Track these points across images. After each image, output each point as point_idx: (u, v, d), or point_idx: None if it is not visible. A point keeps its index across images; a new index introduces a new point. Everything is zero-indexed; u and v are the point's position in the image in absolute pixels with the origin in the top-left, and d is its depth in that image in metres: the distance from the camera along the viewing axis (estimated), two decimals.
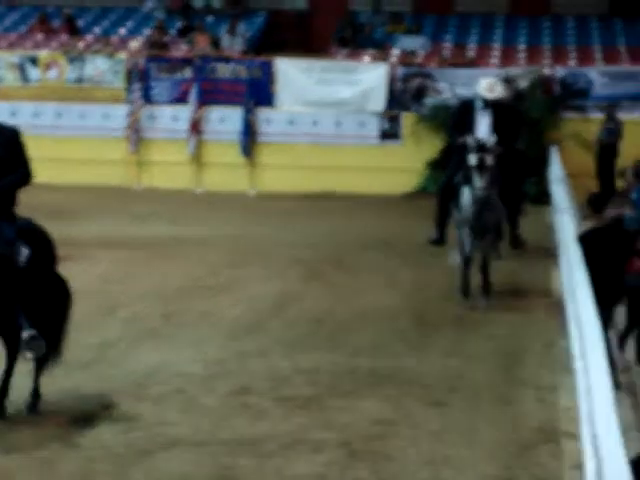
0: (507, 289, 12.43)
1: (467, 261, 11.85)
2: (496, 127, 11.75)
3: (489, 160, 11.40)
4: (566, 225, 11.68)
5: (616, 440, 5.02)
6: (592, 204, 9.91)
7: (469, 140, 11.50)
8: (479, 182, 11.40)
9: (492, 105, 11.82)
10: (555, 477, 7.00)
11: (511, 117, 12.26)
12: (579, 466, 6.75)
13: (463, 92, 18.89)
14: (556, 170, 16.87)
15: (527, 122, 19.62)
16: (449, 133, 12.64)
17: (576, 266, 9.08)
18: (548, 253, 13.96)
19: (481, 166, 11.36)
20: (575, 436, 7.36)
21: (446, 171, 12.46)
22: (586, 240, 9.57)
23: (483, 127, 11.78)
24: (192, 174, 21.57)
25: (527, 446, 7.53)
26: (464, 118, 11.95)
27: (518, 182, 12.89)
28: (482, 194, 11.43)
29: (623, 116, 19.77)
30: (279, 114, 21.49)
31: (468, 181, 11.55)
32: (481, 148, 11.42)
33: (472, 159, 11.40)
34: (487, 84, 11.96)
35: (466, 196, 11.64)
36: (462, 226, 11.84)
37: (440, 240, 12.42)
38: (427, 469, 7.06)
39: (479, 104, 11.92)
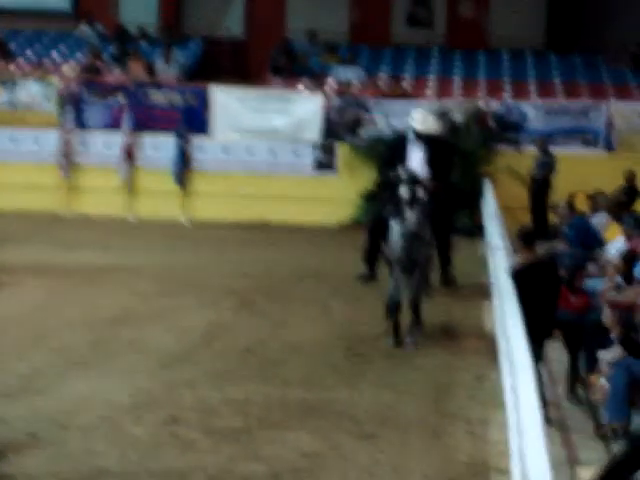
0: (438, 323, 12.41)
1: (395, 304, 11.43)
2: (429, 160, 11.72)
3: (420, 193, 11.23)
4: (498, 260, 11.71)
5: (546, 476, 5.04)
6: (522, 238, 9.92)
7: (400, 172, 11.33)
8: (410, 216, 11.14)
9: (425, 138, 11.83)
10: None
11: (444, 150, 12.26)
12: None
13: (398, 124, 19.00)
14: (490, 204, 17.01)
15: (461, 154, 19.84)
16: (380, 167, 12.54)
17: (508, 300, 9.12)
18: (480, 289, 14.02)
19: (412, 199, 11.12)
20: (505, 471, 7.38)
21: (377, 205, 12.37)
22: (519, 275, 9.62)
23: (416, 160, 11.72)
24: (125, 201, 21.39)
25: None
26: (397, 152, 11.90)
27: (450, 217, 12.86)
28: (413, 228, 11.17)
29: (557, 151, 20.06)
30: (214, 142, 21.43)
31: (398, 215, 11.29)
32: (413, 180, 11.22)
33: (403, 192, 11.15)
34: (419, 116, 12.00)
35: (395, 230, 11.36)
36: (391, 262, 11.54)
37: (370, 276, 12.26)
38: None
39: (412, 137, 11.89)
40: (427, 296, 12.15)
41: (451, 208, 13.19)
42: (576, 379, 9.86)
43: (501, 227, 14.46)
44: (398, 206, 11.19)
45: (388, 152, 12.52)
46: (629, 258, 10.79)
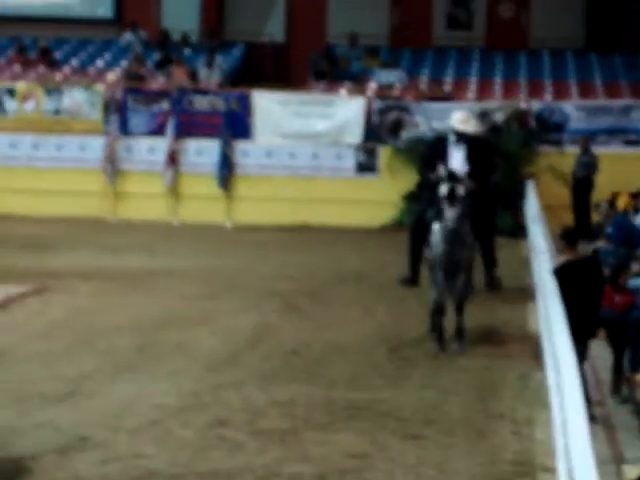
0: (482, 324, 12.37)
1: (439, 308, 11.24)
2: (470, 161, 11.45)
3: (460, 190, 10.94)
4: (541, 261, 11.68)
5: (592, 474, 5.03)
6: (565, 237, 9.89)
7: (440, 170, 11.12)
8: (450, 213, 10.87)
9: (466, 139, 11.57)
10: None
11: (485, 150, 12.00)
12: None
13: (439, 126, 18.99)
14: (532, 204, 16.93)
15: (503, 155, 19.79)
16: (420, 168, 12.15)
17: (552, 300, 9.11)
18: (524, 290, 13.97)
19: (452, 196, 10.86)
20: (551, 469, 7.35)
21: (418, 207, 12.12)
22: (561, 273, 9.61)
23: (456, 161, 11.47)
24: (168, 206, 21.53)
25: (503, 479, 7.50)
26: (437, 153, 11.64)
27: (492, 217, 12.48)
28: (452, 226, 10.89)
29: (598, 150, 19.95)
30: (256, 146, 21.52)
31: (440, 217, 11.04)
32: (452, 178, 10.99)
33: (442, 189, 10.93)
34: (460, 117, 11.76)
35: (437, 232, 11.12)
36: (433, 265, 11.30)
37: (412, 280, 11.98)
38: None
39: (452, 138, 11.65)
40: (470, 299, 11.90)
41: (493, 208, 12.83)
42: (620, 378, 9.83)
43: (544, 227, 14.43)
44: (438, 205, 11.00)
45: (428, 152, 12.23)
46: None
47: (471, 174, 11.24)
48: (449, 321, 11.42)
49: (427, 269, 11.62)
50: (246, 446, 8.10)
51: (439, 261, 11.10)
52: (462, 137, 11.54)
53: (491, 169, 12.08)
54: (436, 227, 11.11)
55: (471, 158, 11.45)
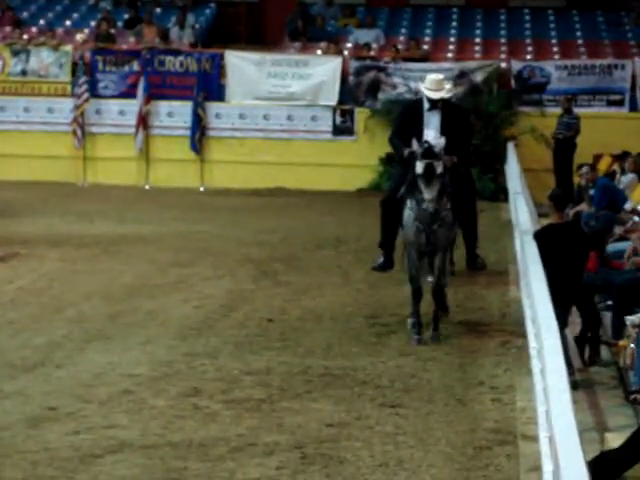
0: (462, 289, 12.26)
1: (416, 293, 10.34)
2: (445, 130, 10.28)
3: (438, 168, 9.92)
4: (523, 224, 11.49)
5: (574, 442, 4.94)
6: (554, 200, 9.65)
7: (415, 145, 10.05)
8: (427, 193, 9.92)
9: (440, 105, 10.45)
10: (512, 479, 6.88)
11: (460, 119, 10.74)
12: (536, 468, 6.67)
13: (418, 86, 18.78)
14: (513, 167, 16.79)
15: (483, 117, 19.62)
16: (391, 138, 10.80)
17: (533, 265, 8.97)
18: (505, 254, 13.89)
19: (429, 175, 9.87)
20: (532, 437, 7.29)
21: (389, 182, 11.08)
22: (542, 237, 9.44)
23: (431, 129, 10.35)
24: (140, 170, 21.32)
25: (483, 448, 7.46)
26: (410, 120, 10.48)
27: (472, 194, 11.13)
28: (430, 207, 9.96)
29: (580, 110, 19.83)
30: (229, 108, 21.30)
31: (414, 195, 10.10)
32: (429, 154, 9.93)
33: (418, 167, 9.89)
34: (431, 82, 10.54)
35: (411, 212, 10.20)
36: (408, 246, 10.43)
37: (386, 265, 10.86)
38: (381, 472, 6.98)
39: (426, 105, 10.51)
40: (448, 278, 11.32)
41: (472, 182, 11.40)
42: (598, 347, 9.72)
43: (525, 190, 14.32)
44: (412, 182, 10.07)
45: (400, 119, 10.89)
46: None
47: (448, 146, 10.13)
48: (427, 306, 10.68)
49: (403, 250, 10.79)
50: (220, 416, 8.04)
51: (414, 243, 10.28)
52: (435, 103, 10.46)
53: (469, 140, 11.05)
54: (411, 206, 10.20)
55: (446, 127, 10.32)
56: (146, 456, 7.14)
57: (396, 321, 10.96)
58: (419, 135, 10.19)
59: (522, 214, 11.50)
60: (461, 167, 10.58)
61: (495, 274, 13.05)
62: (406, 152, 10.13)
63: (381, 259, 10.89)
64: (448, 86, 11.04)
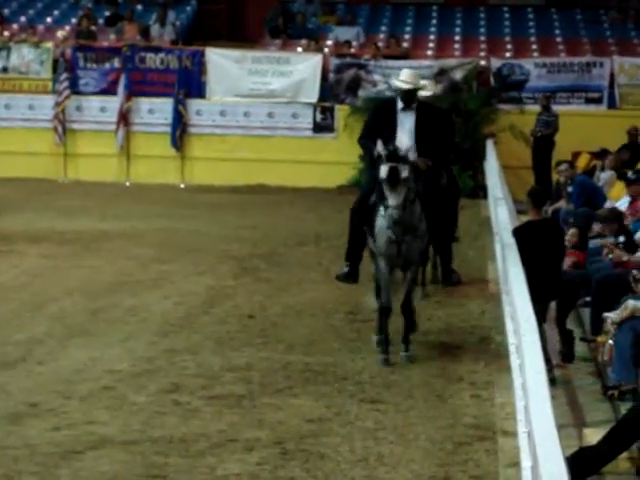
0: (442, 285, 12.27)
1: (384, 309, 9.60)
2: (421, 132, 9.59)
3: (404, 172, 9.08)
4: (502, 222, 11.54)
5: (552, 437, 4.98)
6: (533, 197, 9.67)
7: (379, 147, 9.24)
8: (392, 199, 9.09)
9: (416, 107, 9.73)
10: (490, 475, 6.95)
11: (437, 117, 9.98)
12: (515, 463, 6.71)
13: None
14: (492, 164, 16.84)
15: (462, 114, 19.66)
16: (360, 139, 10.01)
17: (512, 262, 9.02)
18: (484, 250, 13.92)
19: (393, 179, 9.05)
20: (511, 433, 7.31)
21: (360, 188, 10.17)
22: (521, 234, 9.49)
23: (405, 131, 9.64)
24: (120, 166, 21.27)
25: (462, 443, 7.49)
26: (382, 120, 9.75)
27: (453, 201, 10.46)
28: (397, 216, 9.10)
29: (560, 108, 19.90)
30: (210, 105, 21.27)
31: (384, 202, 9.24)
32: (393, 157, 9.13)
33: (382, 170, 9.10)
34: (405, 75, 9.80)
35: (382, 220, 9.38)
36: (378, 257, 9.64)
37: (350, 276, 10.00)
38: (361, 467, 6.99)
39: (400, 104, 9.77)
40: (423, 297, 11.01)
41: (453, 189, 10.69)
42: (572, 345, 9.78)
43: (504, 187, 14.36)
44: (380, 189, 9.26)
45: (371, 120, 10.05)
46: (614, 217, 10.68)
47: (423, 149, 9.46)
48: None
49: (371, 261, 10.11)
50: (201, 412, 8.03)
51: (385, 254, 9.50)
52: (409, 103, 9.71)
53: (447, 141, 10.07)
54: (381, 214, 9.39)
55: (421, 129, 9.60)
56: (127, 452, 7.13)
57: (376, 317, 10.98)
58: (391, 137, 9.51)
59: (502, 216, 11.47)
60: (441, 171, 10.00)
61: (474, 270, 13.10)
62: (376, 154, 9.32)
63: (346, 269, 10.06)
64: (424, 82, 10.50)
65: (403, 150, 9.23)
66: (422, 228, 9.49)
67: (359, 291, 12.10)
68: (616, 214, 10.82)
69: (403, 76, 9.80)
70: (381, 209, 9.36)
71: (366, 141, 9.77)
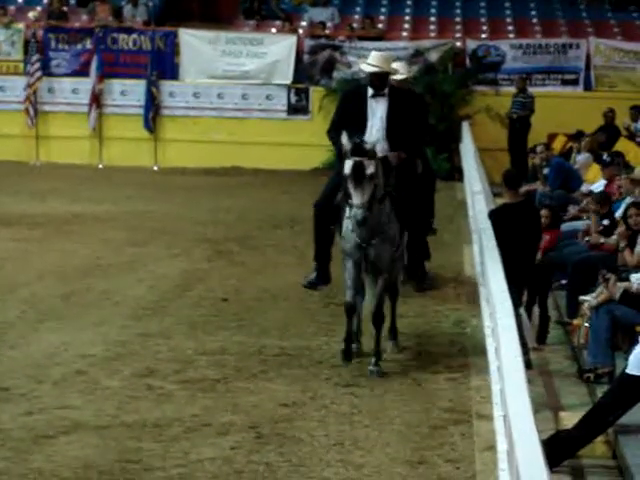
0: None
1: (349, 309, 8.94)
2: (393, 120, 8.87)
3: (370, 168, 8.34)
4: (478, 204, 11.54)
5: (528, 420, 4.99)
6: (507, 181, 9.65)
7: (343, 140, 8.51)
8: (356, 198, 8.33)
9: (387, 92, 8.96)
10: (466, 458, 6.95)
11: (412, 105, 9.27)
12: (491, 447, 6.70)
13: None
14: (468, 147, 16.83)
15: (438, 96, 19.62)
16: (329, 130, 9.22)
17: (488, 245, 9.00)
18: (460, 233, 13.91)
19: (358, 175, 8.32)
20: (487, 416, 7.31)
21: (325, 185, 9.32)
22: (497, 217, 9.46)
23: (376, 121, 8.92)
24: (93, 149, 21.14)
25: (438, 427, 7.48)
26: (351, 109, 9.03)
27: (428, 198, 9.85)
28: (359, 215, 8.34)
29: (536, 90, 19.90)
30: (183, 87, 21.16)
31: (346, 199, 8.53)
32: (358, 150, 8.39)
33: (346, 166, 8.40)
34: (374, 58, 9.07)
35: (347, 221, 8.70)
36: (346, 258, 8.91)
37: (320, 281, 9.32)
38: (335, 451, 6.98)
39: (370, 91, 9.01)
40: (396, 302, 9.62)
41: (429, 177, 10.09)
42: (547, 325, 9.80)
43: (480, 170, 14.36)
44: (345, 186, 8.51)
45: (340, 108, 9.30)
46: (604, 200, 10.68)
47: (396, 138, 8.83)
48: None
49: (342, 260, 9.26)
50: (175, 396, 8.00)
51: (351, 257, 8.82)
52: (381, 87, 8.96)
53: (422, 131, 9.45)
54: (347, 215, 8.66)
55: (394, 117, 8.87)
56: (100, 437, 7.10)
57: None
58: (362, 126, 8.84)
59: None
60: (415, 161, 9.38)
61: (450, 253, 13.09)
62: (340, 145, 8.58)
63: (313, 274, 9.34)
64: (395, 65, 9.70)
65: (370, 143, 8.54)
66: (393, 230, 8.77)
67: (334, 275, 12.04)
68: (608, 197, 10.84)
69: (372, 59, 9.06)
70: (347, 209, 8.59)
71: (335, 134, 8.91)
